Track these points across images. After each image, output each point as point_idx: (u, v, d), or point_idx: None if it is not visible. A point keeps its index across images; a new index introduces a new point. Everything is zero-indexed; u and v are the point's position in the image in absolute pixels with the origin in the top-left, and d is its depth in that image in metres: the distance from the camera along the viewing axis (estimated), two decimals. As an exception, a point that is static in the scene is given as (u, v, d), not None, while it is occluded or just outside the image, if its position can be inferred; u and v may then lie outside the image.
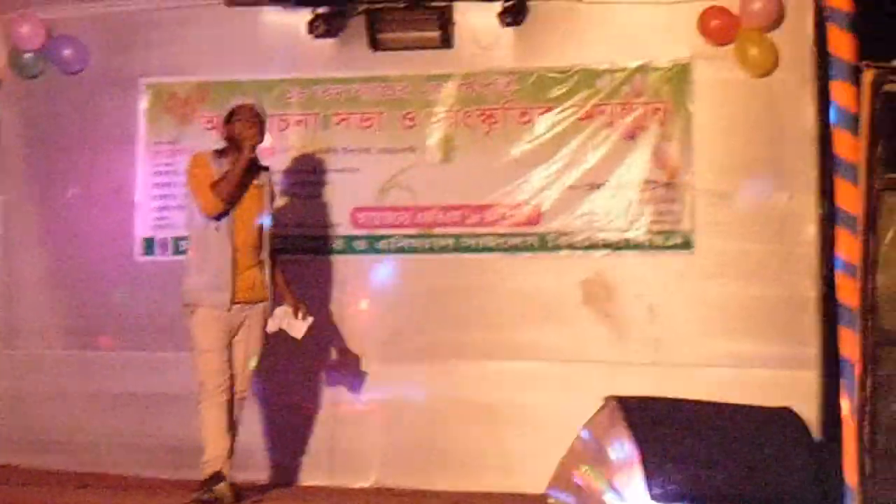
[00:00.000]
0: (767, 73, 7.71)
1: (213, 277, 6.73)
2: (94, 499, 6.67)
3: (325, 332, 7.98)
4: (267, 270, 6.96)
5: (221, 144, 6.93)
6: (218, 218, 6.75)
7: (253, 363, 6.93)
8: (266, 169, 7.12)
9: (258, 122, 6.87)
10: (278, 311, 7.04)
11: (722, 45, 7.75)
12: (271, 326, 6.99)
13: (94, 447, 8.23)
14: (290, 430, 8.00)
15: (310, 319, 7.10)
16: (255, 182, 6.94)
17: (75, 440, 8.27)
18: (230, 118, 6.90)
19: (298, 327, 7.07)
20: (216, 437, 6.64)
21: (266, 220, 6.98)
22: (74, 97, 8.58)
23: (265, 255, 6.97)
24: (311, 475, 7.96)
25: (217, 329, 6.72)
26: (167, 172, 8.32)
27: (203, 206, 6.75)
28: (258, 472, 7.79)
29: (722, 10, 7.73)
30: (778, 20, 7.69)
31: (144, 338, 8.27)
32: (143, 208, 8.45)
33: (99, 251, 8.46)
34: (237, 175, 6.74)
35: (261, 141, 6.89)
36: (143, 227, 8.44)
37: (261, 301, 6.92)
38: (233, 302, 6.75)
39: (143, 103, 8.50)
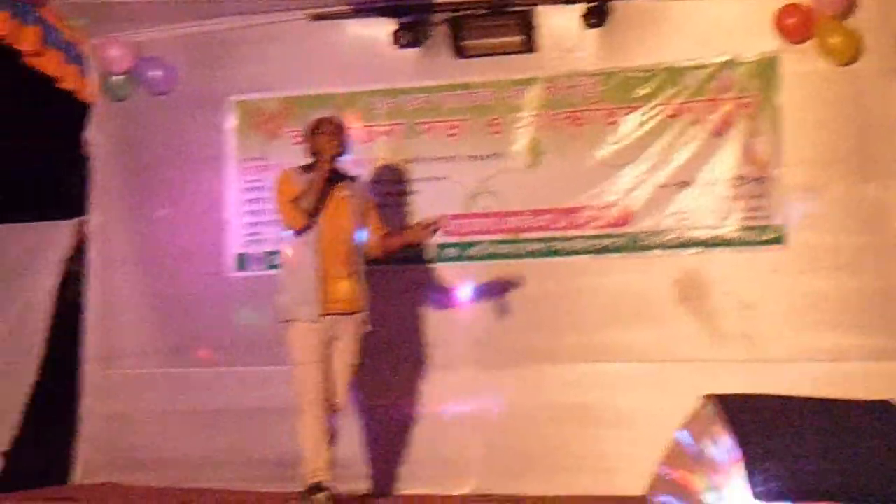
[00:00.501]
0: (852, 61, 7.64)
1: (303, 291, 6.74)
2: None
3: (420, 340, 8.03)
4: (361, 281, 6.96)
5: (309, 160, 6.97)
6: (301, 232, 6.78)
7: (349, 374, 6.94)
8: (354, 179, 7.13)
9: (338, 134, 6.89)
10: None
11: (802, 41, 7.69)
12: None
13: (194, 463, 8.30)
14: (387, 440, 8.02)
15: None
16: (342, 193, 6.94)
17: (175, 457, 8.36)
18: (313, 132, 6.94)
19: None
20: (315, 448, 6.66)
21: (359, 231, 6.97)
22: (164, 118, 8.70)
23: (359, 266, 6.96)
24: (410, 484, 7.95)
25: (311, 342, 6.72)
26: (257, 188, 8.39)
27: (284, 219, 6.81)
28: (358, 482, 7.80)
29: (795, 7, 7.66)
30: (851, 5, 7.60)
31: (240, 353, 8.33)
32: (234, 224, 8.53)
33: (192, 269, 8.55)
34: (316, 188, 6.74)
35: (342, 152, 6.89)
36: (235, 243, 8.52)
37: (355, 312, 6.91)
38: (322, 314, 6.75)
39: (231, 121, 8.59)
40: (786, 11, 7.67)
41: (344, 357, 6.89)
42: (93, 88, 8.78)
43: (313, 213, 6.77)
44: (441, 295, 8.15)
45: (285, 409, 6.96)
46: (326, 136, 6.84)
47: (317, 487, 6.62)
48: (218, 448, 8.27)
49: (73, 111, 8.80)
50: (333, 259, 6.83)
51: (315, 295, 6.72)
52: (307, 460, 6.67)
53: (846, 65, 7.65)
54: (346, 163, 7.08)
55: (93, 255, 8.70)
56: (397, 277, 8.04)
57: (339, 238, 6.89)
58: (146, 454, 8.43)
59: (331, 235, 6.84)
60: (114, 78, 8.69)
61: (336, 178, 6.91)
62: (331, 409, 6.77)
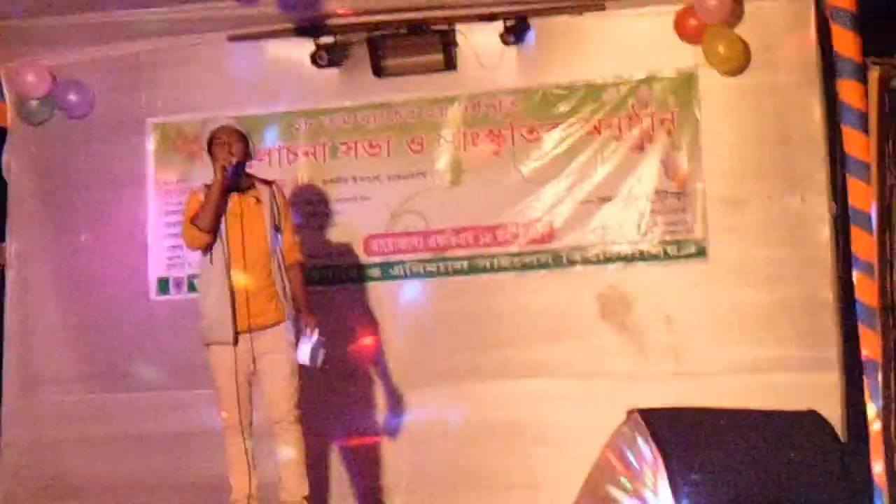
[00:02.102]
0: (740, 71, 7.70)
1: (215, 312, 6.59)
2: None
3: (345, 360, 7.98)
4: (281, 288, 6.72)
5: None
6: (205, 251, 6.63)
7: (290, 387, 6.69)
8: (270, 183, 6.91)
9: (233, 141, 6.66)
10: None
11: (695, 44, 7.75)
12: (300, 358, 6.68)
13: (121, 490, 8.20)
14: (312, 461, 7.96)
15: (313, 340, 6.67)
16: (248, 201, 6.72)
17: (100, 484, 8.24)
18: (209, 144, 6.75)
19: (304, 351, 6.63)
20: (240, 474, 6.59)
21: (274, 236, 6.75)
22: (82, 141, 8.59)
23: (277, 274, 6.72)
24: (337, 504, 7.91)
25: (227, 364, 6.57)
26: (177, 211, 8.29)
27: (185, 241, 6.72)
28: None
29: (691, 11, 7.70)
30: (737, 14, 7.67)
31: (164, 377, 8.24)
32: (155, 248, 8.45)
33: (114, 293, 8.45)
34: (212, 202, 6.55)
35: (241, 159, 6.67)
36: (156, 266, 8.43)
37: (276, 323, 6.69)
38: (237, 333, 6.58)
39: (151, 143, 8.52)
40: (684, 14, 7.72)
41: (276, 371, 6.65)
42: (9, 113, 8.67)
43: (210, 230, 6.57)
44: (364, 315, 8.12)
45: (211, 433, 6.90)
46: (220, 145, 6.66)
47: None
48: (145, 473, 8.18)
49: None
50: (249, 271, 6.62)
51: (226, 315, 6.55)
52: (232, 489, 6.60)
53: (733, 75, 7.70)
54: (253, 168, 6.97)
55: (11, 281, 8.58)
56: (318, 299, 7.97)
57: (250, 249, 6.64)
58: (71, 482, 8.31)
59: (239, 249, 6.62)
60: (30, 102, 8.58)
61: (242, 186, 6.73)
62: (272, 425, 6.65)
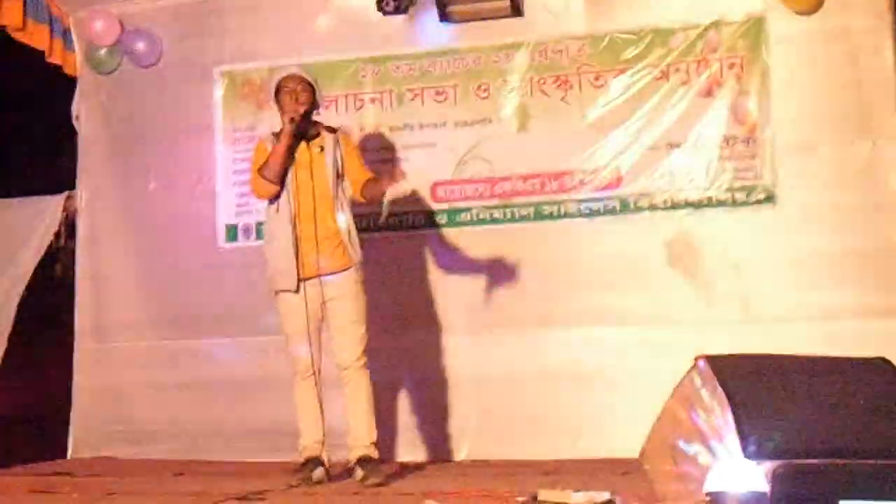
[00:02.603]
0: (815, 10, 7.62)
1: (281, 260, 6.58)
2: (192, 486, 6.69)
3: (413, 306, 8.03)
4: (346, 235, 6.64)
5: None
6: (273, 200, 6.62)
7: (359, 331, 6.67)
8: (334, 130, 6.81)
9: (301, 90, 6.61)
10: None
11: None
12: None
13: (190, 435, 8.33)
14: (382, 407, 7.99)
15: None
16: (315, 149, 6.65)
17: (171, 429, 8.40)
18: (276, 92, 6.70)
19: None
20: (307, 421, 6.62)
21: (336, 183, 6.66)
22: (151, 90, 8.68)
23: (341, 223, 6.66)
24: (406, 451, 7.98)
25: (296, 312, 6.57)
26: (245, 159, 8.33)
27: (253, 191, 6.72)
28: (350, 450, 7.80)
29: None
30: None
31: (233, 324, 8.33)
32: (224, 196, 8.52)
33: (183, 241, 8.58)
34: (279, 152, 6.51)
35: (310, 109, 6.64)
36: (225, 214, 8.50)
37: (344, 269, 6.65)
38: (304, 279, 6.56)
39: (219, 92, 8.59)
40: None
41: (340, 317, 6.64)
42: (78, 62, 8.74)
43: (278, 180, 6.54)
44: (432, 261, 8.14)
45: (279, 380, 6.94)
46: (288, 94, 6.60)
47: (313, 462, 6.59)
48: (213, 419, 8.29)
49: (60, 85, 8.77)
50: (310, 221, 6.57)
51: (293, 262, 6.55)
52: (301, 434, 6.64)
53: (809, 13, 7.62)
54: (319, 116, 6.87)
55: (82, 229, 8.70)
56: (386, 245, 8.04)
57: (315, 197, 6.60)
58: (141, 427, 8.45)
59: (305, 197, 6.58)
60: (99, 51, 8.65)
61: (309, 135, 6.67)
62: (340, 372, 6.65)
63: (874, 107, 7.56)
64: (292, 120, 6.52)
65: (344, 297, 6.64)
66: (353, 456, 6.60)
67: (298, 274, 6.55)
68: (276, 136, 6.67)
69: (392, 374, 7.93)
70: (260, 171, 6.56)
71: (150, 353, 8.52)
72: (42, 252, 8.53)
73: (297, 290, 6.56)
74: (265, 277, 6.75)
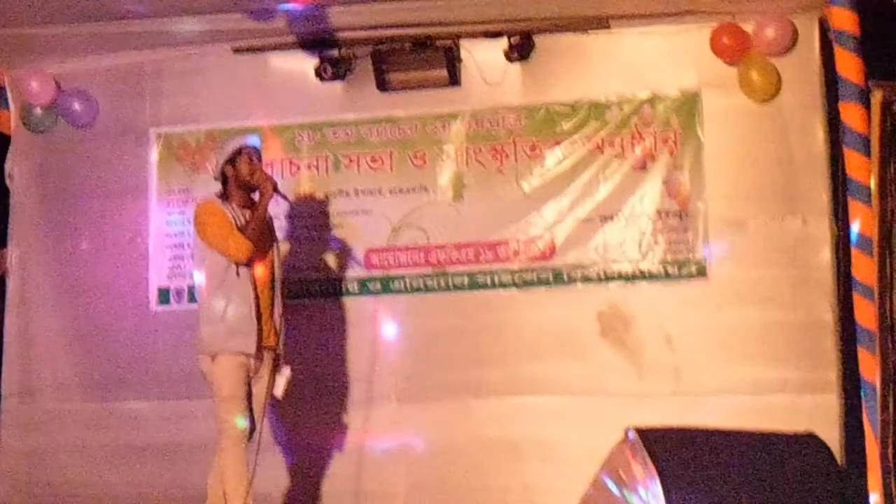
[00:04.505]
0: (770, 98, 7.71)
1: (236, 323, 6.63)
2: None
3: (343, 374, 7.99)
4: (278, 314, 6.89)
5: (219, 189, 6.91)
6: (247, 264, 6.70)
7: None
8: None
9: (260, 160, 6.94)
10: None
11: (731, 64, 7.74)
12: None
13: (115, 499, 8.18)
14: (310, 475, 7.97)
15: (286, 373, 6.90)
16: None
17: (96, 493, 8.24)
18: (234, 158, 6.86)
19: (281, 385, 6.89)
20: (239, 484, 6.59)
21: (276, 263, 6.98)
22: (86, 150, 8.60)
23: (276, 299, 6.90)
24: (333, 522, 7.90)
25: (238, 375, 6.61)
26: (179, 222, 8.32)
27: (235, 252, 6.65)
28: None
29: (735, 28, 7.72)
30: (788, 47, 7.68)
31: (163, 388, 8.24)
32: (156, 258, 8.45)
33: (114, 302, 8.46)
34: (262, 218, 6.76)
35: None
36: (157, 276, 8.44)
37: (276, 347, 6.84)
38: (259, 348, 6.68)
39: (154, 153, 8.53)
40: (723, 30, 7.72)
41: (263, 391, 6.81)
42: (13, 120, 8.68)
43: (257, 247, 6.72)
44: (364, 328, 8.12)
45: (207, 445, 6.87)
46: (254, 165, 6.85)
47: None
48: (140, 483, 8.18)
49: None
50: (265, 290, 6.80)
51: (251, 328, 6.63)
52: (231, 497, 6.58)
53: (764, 102, 7.72)
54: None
55: (12, 287, 8.58)
56: (319, 311, 8.03)
57: (269, 268, 6.87)
58: (66, 490, 8.30)
59: (262, 265, 6.81)
60: (34, 110, 8.59)
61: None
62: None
63: (805, 183, 7.66)
64: (275, 189, 6.77)
65: (268, 372, 6.81)
66: None
67: (259, 340, 6.66)
68: (221, 197, 6.82)
69: (320, 442, 7.91)
70: (244, 232, 6.66)
71: (77, 415, 8.38)
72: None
73: (256, 357, 6.66)
74: (202, 336, 6.71)
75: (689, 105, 7.86)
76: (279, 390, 6.84)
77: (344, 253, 8.15)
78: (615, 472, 5.15)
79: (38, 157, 8.69)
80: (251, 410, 6.71)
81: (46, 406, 8.44)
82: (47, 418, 8.44)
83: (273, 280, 6.90)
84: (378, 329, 8.10)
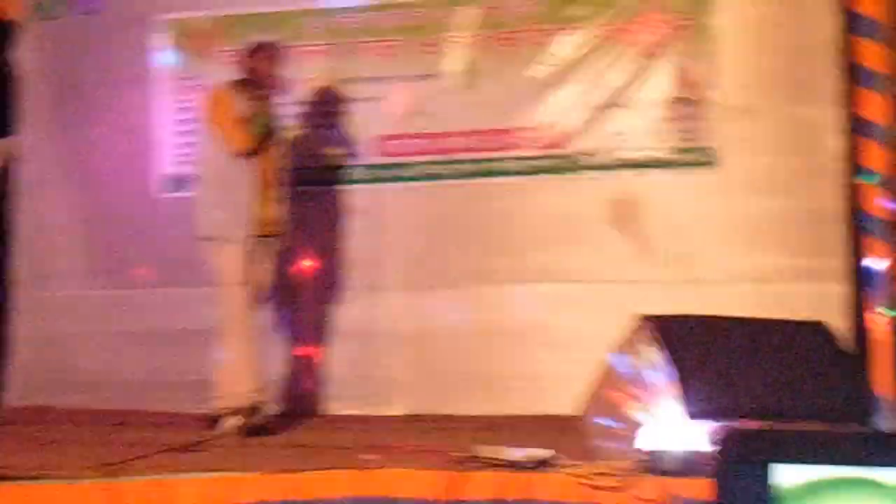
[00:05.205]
0: None
1: (236, 210, 6.72)
2: (131, 435, 6.71)
3: (350, 261, 8.05)
4: (283, 203, 6.98)
5: (236, 77, 6.93)
6: (248, 156, 6.73)
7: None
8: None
9: (278, 61, 6.94)
10: None
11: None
12: None
13: (128, 385, 8.26)
14: (320, 361, 8.04)
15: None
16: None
17: (108, 379, 8.31)
18: (252, 54, 6.91)
19: None
20: (250, 369, 6.68)
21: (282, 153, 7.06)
22: (95, 37, 8.56)
23: (281, 187, 6.97)
24: (342, 404, 7.97)
25: (240, 262, 6.72)
26: (188, 108, 8.29)
27: (234, 144, 6.71)
28: (289, 402, 7.83)
29: None
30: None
31: (170, 274, 8.29)
32: (164, 145, 8.45)
33: (123, 189, 8.48)
34: (265, 114, 6.80)
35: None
36: (165, 163, 8.44)
37: (278, 234, 6.96)
38: (254, 235, 6.75)
39: (163, 40, 8.48)
40: None
41: (264, 277, 6.93)
42: (23, 7, 8.64)
43: (260, 140, 6.76)
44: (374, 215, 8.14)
45: (212, 330, 6.92)
46: (271, 61, 6.88)
47: (255, 408, 6.65)
48: (151, 370, 8.23)
49: (1, 30, 8.65)
50: (267, 181, 6.84)
51: (249, 215, 6.70)
52: (241, 381, 6.66)
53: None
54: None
55: (23, 176, 8.59)
56: (328, 199, 8.04)
57: (272, 160, 6.93)
58: (79, 376, 8.36)
59: (265, 157, 6.85)
60: (44, -3, 8.58)
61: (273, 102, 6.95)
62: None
63: (818, 71, 7.59)
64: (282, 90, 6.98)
65: (270, 259, 7.00)
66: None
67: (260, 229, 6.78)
68: (235, 85, 6.89)
69: (329, 327, 7.97)
70: (245, 124, 6.73)
71: (90, 302, 8.44)
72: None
73: (247, 242, 6.73)
74: (202, 221, 6.79)
75: (701, -9, 7.80)
76: None
77: (353, 140, 8.13)
78: (625, 357, 5.20)
79: (48, 45, 8.65)
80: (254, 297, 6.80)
81: (58, 293, 8.50)
82: (59, 305, 8.50)
83: (276, 170, 6.95)
84: (388, 217, 8.12)
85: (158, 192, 8.45)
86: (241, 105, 6.76)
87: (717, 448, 3.62)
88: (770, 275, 7.48)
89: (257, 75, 6.86)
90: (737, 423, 4.54)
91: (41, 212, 8.56)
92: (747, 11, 7.76)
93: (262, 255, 6.87)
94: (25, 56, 8.65)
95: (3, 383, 8.49)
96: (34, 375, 8.46)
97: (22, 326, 8.55)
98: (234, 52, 7.20)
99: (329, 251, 8.00)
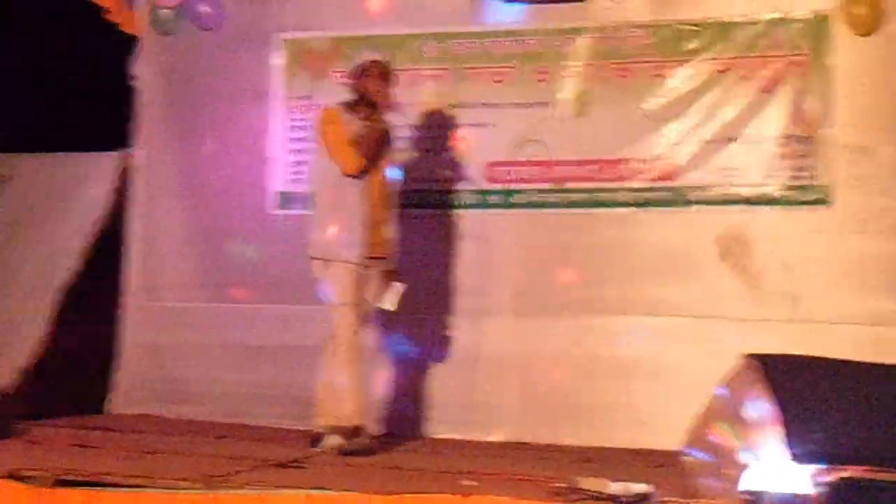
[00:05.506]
0: (870, 33, 7.58)
1: (349, 232, 6.75)
2: (234, 449, 6.76)
3: (458, 286, 8.05)
4: (393, 226, 6.99)
5: (348, 97, 6.97)
6: (359, 176, 6.78)
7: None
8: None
9: (389, 79, 6.91)
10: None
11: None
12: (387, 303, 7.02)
13: (231, 398, 8.37)
14: (422, 385, 8.05)
15: (398, 287, 7.02)
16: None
17: (213, 391, 8.42)
18: (363, 73, 6.91)
19: (387, 298, 7.01)
20: (355, 390, 6.70)
21: (394, 175, 7.07)
22: (211, 53, 8.72)
23: (394, 211, 7.00)
24: (443, 428, 7.98)
25: (352, 283, 6.73)
26: (303, 127, 8.36)
27: (345, 164, 6.75)
28: (390, 424, 7.86)
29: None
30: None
31: (279, 291, 8.36)
32: (278, 162, 8.54)
33: (235, 205, 8.60)
34: (376, 137, 6.81)
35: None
36: (278, 180, 8.53)
37: (387, 257, 6.95)
38: (368, 257, 6.77)
39: (279, 59, 8.58)
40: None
41: (372, 300, 6.95)
42: (141, 21, 8.78)
43: (372, 160, 6.80)
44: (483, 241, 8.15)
45: (319, 349, 6.95)
46: (379, 80, 6.86)
47: (359, 430, 6.68)
48: (255, 384, 8.34)
49: (120, 44, 8.80)
50: (378, 203, 6.86)
51: (361, 238, 6.73)
52: (346, 401, 6.68)
53: (865, 35, 7.57)
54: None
55: (137, 187, 8.72)
56: (436, 223, 8.07)
57: (383, 181, 6.94)
58: (183, 387, 8.50)
59: (377, 179, 6.87)
60: (163, 11, 8.70)
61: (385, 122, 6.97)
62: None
63: (935, 112, 7.51)
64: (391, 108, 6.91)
65: (379, 281, 6.98)
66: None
67: (371, 251, 6.80)
68: (347, 107, 6.91)
69: (435, 351, 7.99)
70: (357, 145, 6.77)
71: (198, 314, 8.57)
72: (97, 208, 8.58)
73: (364, 266, 6.78)
74: (315, 242, 6.85)
75: (819, 29, 7.71)
76: (391, 304, 6.97)
77: (464, 166, 8.15)
78: (732, 397, 5.14)
79: (164, 60, 8.81)
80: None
81: (167, 304, 8.63)
82: (167, 316, 8.64)
83: (387, 192, 6.97)
84: (496, 243, 8.12)
85: (270, 208, 8.52)
86: (352, 125, 6.80)
87: (823, 493, 3.56)
88: (881, 318, 7.36)
89: (367, 94, 6.87)
90: (842, 468, 4.47)
91: (154, 223, 8.71)
92: (864, 50, 7.67)
93: (372, 277, 6.89)
94: (142, 70, 8.78)
95: (111, 390, 8.61)
96: (141, 384, 8.61)
97: (130, 335, 8.68)
98: (344, 72, 7.23)
99: (436, 275, 8.01)
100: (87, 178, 8.69)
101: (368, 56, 7.00)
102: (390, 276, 6.98)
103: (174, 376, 8.52)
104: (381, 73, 6.88)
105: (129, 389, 8.62)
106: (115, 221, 8.67)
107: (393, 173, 7.03)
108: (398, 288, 6.97)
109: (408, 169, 7.65)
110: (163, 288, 8.64)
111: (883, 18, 7.57)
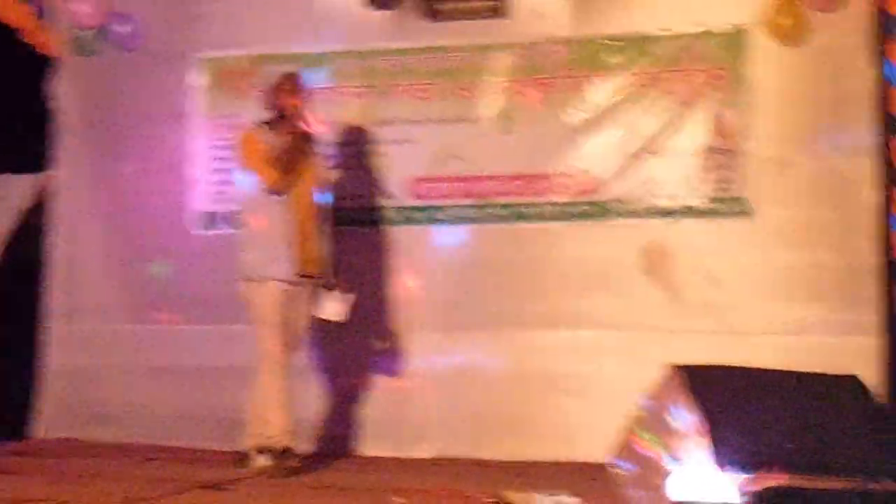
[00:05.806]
0: (796, 44, 7.67)
1: (274, 250, 6.72)
2: (162, 472, 6.72)
3: (384, 302, 8.03)
4: (325, 243, 6.99)
5: (268, 116, 6.97)
6: (280, 193, 6.74)
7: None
8: (310, 136, 7.14)
9: (302, 92, 6.92)
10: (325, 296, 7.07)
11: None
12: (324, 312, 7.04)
13: (156, 420, 8.29)
14: (350, 402, 8.03)
15: (348, 297, 7.08)
16: (308, 151, 7.01)
17: (136, 413, 8.35)
18: (276, 88, 6.94)
19: (332, 308, 7.05)
20: (282, 410, 6.67)
21: (321, 191, 7.07)
22: (131, 74, 8.64)
23: (323, 227, 6.99)
24: (371, 445, 7.97)
25: (278, 302, 6.73)
26: (225, 147, 8.31)
27: (265, 180, 6.74)
28: (320, 443, 7.84)
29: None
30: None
31: (204, 311, 8.29)
32: (200, 183, 8.48)
33: (157, 226, 8.51)
34: (294, 150, 6.79)
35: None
36: (201, 201, 8.47)
37: (318, 275, 6.94)
38: (298, 275, 6.75)
39: (200, 78, 8.53)
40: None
41: (302, 318, 6.95)
42: (59, 42, 8.70)
43: (292, 174, 6.77)
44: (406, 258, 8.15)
45: (247, 369, 6.93)
46: (290, 94, 6.88)
47: (287, 451, 6.64)
48: (180, 406, 8.27)
49: (37, 65, 8.71)
50: (305, 219, 6.84)
51: (287, 255, 6.70)
52: (274, 422, 6.65)
53: (792, 46, 7.66)
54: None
55: (58, 209, 8.63)
56: (361, 240, 8.04)
57: (309, 198, 6.93)
58: (108, 410, 8.41)
59: (302, 195, 6.86)
60: (82, 33, 8.62)
61: (306, 137, 6.96)
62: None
63: (852, 124, 7.58)
64: (305, 122, 6.93)
65: (309, 299, 7.00)
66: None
67: (296, 268, 6.78)
68: (266, 125, 6.93)
69: (360, 368, 7.99)
70: (277, 162, 6.76)
71: (121, 336, 8.48)
72: (10, 230, 8.50)
73: (294, 284, 6.79)
74: (242, 262, 6.84)
75: (739, 42, 7.77)
76: (336, 314, 7.03)
77: (387, 182, 8.14)
78: (658, 408, 5.16)
79: (84, 81, 8.73)
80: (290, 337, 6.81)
81: (90, 327, 8.54)
82: (90, 339, 8.54)
83: (314, 208, 6.96)
84: (420, 259, 8.12)
85: (193, 228, 8.46)
86: (270, 142, 6.77)
87: (748, 501, 3.58)
88: (804, 327, 7.44)
89: (282, 109, 6.87)
90: (767, 476, 4.50)
91: (76, 246, 8.61)
92: (784, 62, 7.74)
93: (300, 296, 6.86)
94: (61, 91, 8.69)
95: (33, 415, 8.50)
96: (64, 408, 8.51)
97: (53, 359, 8.57)
98: (259, 90, 7.22)
99: (362, 291, 7.98)
100: (2, 200, 8.59)
101: (281, 72, 7.01)
102: (334, 289, 6.99)
103: (97, 399, 8.43)
104: (293, 87, 6.90)
105: (51, 413, 8.51)
106: (36, 244, 8.58)
107: (320, 189, 7.00)
108: (348, 298, 7.03)
109: (332, 186, 7.62)
110: (85, 310, 8.54)
111: (807, 31, 7.62)
